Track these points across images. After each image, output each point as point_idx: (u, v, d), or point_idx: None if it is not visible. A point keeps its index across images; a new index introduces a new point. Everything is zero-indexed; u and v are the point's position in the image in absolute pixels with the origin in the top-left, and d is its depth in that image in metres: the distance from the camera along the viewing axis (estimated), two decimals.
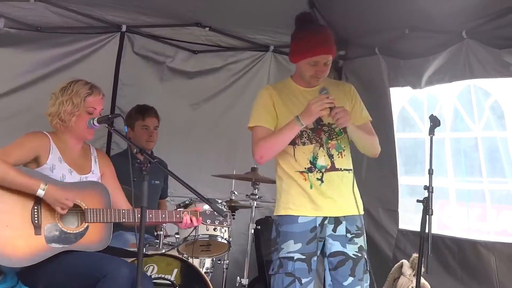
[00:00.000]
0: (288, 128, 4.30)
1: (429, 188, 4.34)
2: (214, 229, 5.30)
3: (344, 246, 4.41)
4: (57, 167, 4.28)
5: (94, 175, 4.44)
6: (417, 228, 5.99)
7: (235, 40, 6.71)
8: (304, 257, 4.36)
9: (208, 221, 4.54)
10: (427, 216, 4.32)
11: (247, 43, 6.79)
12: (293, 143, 4.38)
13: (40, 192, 4.08)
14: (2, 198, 4.09)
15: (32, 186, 4.09)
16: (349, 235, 4.42)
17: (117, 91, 6.45)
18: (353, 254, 4.41)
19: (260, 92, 4.62)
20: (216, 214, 4.47)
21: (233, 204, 5.87)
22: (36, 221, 4.11)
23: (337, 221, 4.41)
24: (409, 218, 6.36)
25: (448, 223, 6.59)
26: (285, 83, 4.59)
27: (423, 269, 4.49)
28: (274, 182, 5.82)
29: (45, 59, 6.08)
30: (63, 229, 4.17)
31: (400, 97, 6.54)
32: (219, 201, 5.38)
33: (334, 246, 4.42)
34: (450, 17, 5.41)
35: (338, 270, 4.41)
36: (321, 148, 4.40)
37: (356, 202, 4.46)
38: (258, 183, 5.69)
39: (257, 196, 5.65)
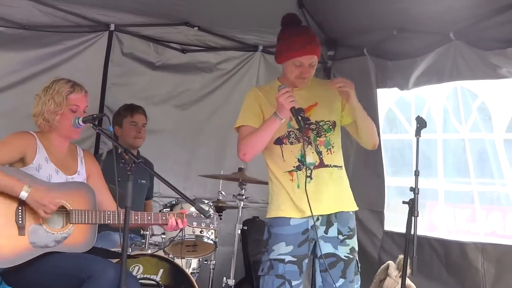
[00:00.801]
0: (268, 123, 4.30)
1: (414, 190, 4.33)
2: (201, 231, 5.28)
3: (335, 248, 4.41)
4: (44, 167, 4.25)
5: (80, 176, 4.41)
6: (404, 229, 6.05)
7: (224, 40, 6.71)
8: (295, 259, 4.36)
9: (195, 224, 4.52)
10: (413, 217, 4.31)
11: (236, 43, 6.79)
12: (280, 142, 4.39)
13: (23, 195, 4.05)
14: None
15: (15, 188, 4.05)
16: (340, 237, 4.42)
17: (106, 90, 6.41)
18: (344, 256, 4.41)
19: (246, 94, 4.63)
20: (203, 216, 4.46)
21: (220, 205, 5.86)
22: (20, 222, 4.08)
23: (328, 222, 4.41)
24: (396, 220, 6.35)
25: (437, 224, 6.60)
26: (271, 85, 4.58)
27: (409, 271, 4.50)
28: (261, 182, 5.88)
29: (33, 58, 6.04)
30: (47, 230, 4.14)
31: (387, 98, 6.54)
32: (206, 202, 5.37)
33: (325, 247, 4.41)
34: (438, 19, 5.43)
35: (329, 272, 4.40)
36: (309, 146, 4.40)
37: (346, 199, 4.48)
38: (245, 183, 5.68)
39: (244, 197, 5.64)
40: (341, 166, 4.50)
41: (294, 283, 4.36)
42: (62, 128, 4.31)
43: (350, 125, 4.56)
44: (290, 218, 4.37)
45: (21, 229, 4.08)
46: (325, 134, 4.44)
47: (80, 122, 4.26)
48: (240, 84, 6.86)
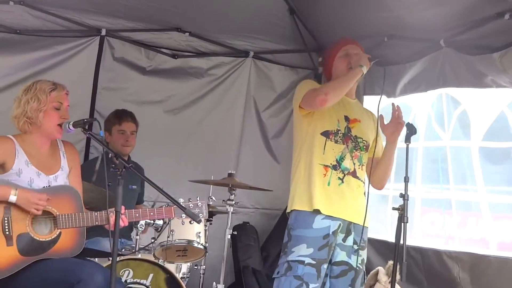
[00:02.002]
0: (353, 73, 4.42)
1: (404, 196, 4.35)
2: (190, 222, 5.25)
3: (349, 257, 4.50)
4: (24, 171, 4.22)
5: (63, 172, 4.39)
6: (383, 237, 6.07)
7: (215, 45, 6.72)
8: (314, 262, 4.39)
9: (183, 216, 4.47)
10: (402, 223, 4.33)
11: (227, 49, 6.80)
12: (326, 135, 4.48)
13: (12, 198, 4.03)
14: None
15: (3, 192, 4.04)
16: (355, 247, 4.51)
17: (96, 95, 6.41)
18: (356, 266, 4.50)
19: (304, 81, 4.76)
20: (191, 206, 4.46)
21: (210, 210, 5.85)
22: (7, 232, 4.05)
23: (348, 231, 4.49)
24: (377, 227, 6.38)
25: (413, 232, 6.58)
26: None
27: (398, 276, 4.51)
28: (250, 188, 5.89)
29: (24, 63, 6.04)
30: (35, 237, 4.12)
31: (374, 105, 6.54)
32: (198, 198, 5.35)
33: (340, 255, 4.49)
34: (429, 26, 5.45)
35: (339, 279, 4.49)
36: (348, 152, 4.51)
37: (365, 214, 4.52)
38: (234, 188, 5.69)
39: (233, 202, 5.64)
40: (364, 184, 4.61)
41: (311, 286, 4.38)
42: (46, 126, 4.28)
43: (369, 160, 4.66)
44: (315, 216, 4.40)
45: (8, 239, 4.06)
46: (360, 151, 4.57)
47: (71, 127, 4.24)
48: (231, 90, 6.88)
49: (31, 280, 4.07)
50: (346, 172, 4.50)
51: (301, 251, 4.40)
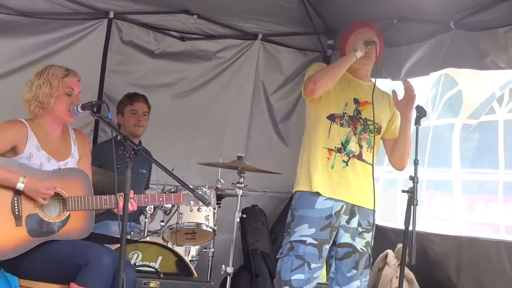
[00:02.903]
0: (345, 57, 4.48)
1: (414, 179, 4.33)
2: (199, 209, 5.26)
3: (353, 239, 4.51)
4: (35, 155, 4.21)
5: (73, 159, 4.39)
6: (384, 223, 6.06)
7: (223, 28, 6.69)
8: (316, 242, 4.41)
9: (192, 203, 4.51)
10: (412, 206, 4.31)
11: (235, 31, 6.76)
12: (332, 119, 4.48)
13: (20, 186, 4.03)
14: None
15: (11, 179, 4.04)
16: (360, 229, 4.52)
17: (105, 78, 6.39)
18: (360, 248, 4.51)
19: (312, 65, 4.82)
20: (200, 192, 4.46)
21: (219, 193, 5.85)
22: (16, 212, 4.06)
23: (352, 213, 4.49)
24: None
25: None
26: None
27: (407, 259, 4.51)
28: (260, 171, 5.88)
29: (31, 45, 6.01)
30: (44, 219, 4.12)
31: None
32: (206, 186, 5.36)
33: (344, 237, 4.50)
34: (439, 8, 5.41)
35: (344, 261, 4.52)
36: (354, 135, 4.51)
37: (372, 197, 4.53)
38: (244, 171, 5.68)
39: (243, 185, 5.63)
40: (373, 166, 4.58)
41: (313, 265, 4.42)
42: (57, 111, 4.27)
43: (388, 141, 4.70)
44: (317, 197, 4.42)
45: (18, 219, 4.06)
46: (369, 133, 4.56)
47: (79, 109, 4.23)
48: (239, 73, 6.86)
49: (39, 262, 4.08)
50: (351, 155, 4.49)
51: (303, 231, 4.42)
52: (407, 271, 5.57)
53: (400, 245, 5.76)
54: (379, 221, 5.58)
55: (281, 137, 7.10)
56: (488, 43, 5.19)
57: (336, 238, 4.51)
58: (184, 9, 6.33)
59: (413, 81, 6.03)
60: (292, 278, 4.41)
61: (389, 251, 5.90)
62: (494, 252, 5.28)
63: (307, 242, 4.40)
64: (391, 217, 6.44)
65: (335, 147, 4.47)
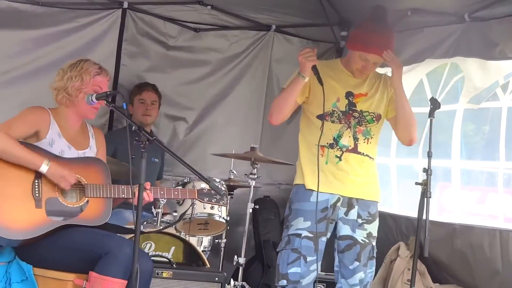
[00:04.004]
0: (293, 83, 4.44)
1: (427, 171, 4.33)
2: (211, 207, 5.31)
3: (353, 231, 4.51)
4: (56, 142, 4.29)
5: (91, 151, 4.47)
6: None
7: (237, 19, 6.68)
8: (311, 235, 4.43)
9: (206, 199, 4.57)
10: (425, 198, 4.31)
11: (249, 23, 6.75)
12: (322, 118, 4.46)
13: (44, 168, 4.09)
14: (3, 171, 4.10)
15: (36, 161, 4.10)
16: (359, 220, 4.52)
17: (120, 68, 6.39)
18: (361, 240, 4.51)
19: None
20: (213, 192, 4.50)
21: (231, 184, 5.87)
22: (37, 195, 4.12)
23: (349, 205, 4.50)
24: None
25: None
26: (332, 62, 4.76)
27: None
28: (273, 162, 5.89)
29: (45, 36, 6.00)
30: (63, 203, 4.18)
31: None
32: (218, 180, 5.38)
33: (343, 229, 4.52)
34: (453, 0, 5.40)
35: (345, 254, 4.52)
36: (348, 129, 4.51)
37: (371, 189, 4.56)
38: (257, 162, 5.68)
39: (256, 176, 5.64)
40: (374, 159, 4.59)
41: (309, 258, 4.45)
42: (82, 106, 4.35)
43: (392, 119, 4.66)
44: (312, 191, 4.43)
45: (38, 201, 4.12)
46: (366, 124, 4.55)
47: (94, 99, 4.27)
48: (253, 64, 6.85)
49: (57, 249, 4.11)
50: (344, 149, 4.49)
51: (299, 225, 4.46)
52: (419, 263, 5.58)
53: (412, 237, 5.76)
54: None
55: (295, 129, 7.08)
56: (500, 31, 5.19)
57: (336, 231, 4.52)
58: (198, 0, 6.33)
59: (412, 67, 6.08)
60: (288, 271, 4.45)
61: (401, 243, 5.90)
62: (488, 240, 5.29)
63: (303, 235, 4.43)
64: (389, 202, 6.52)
65: (327, 143, 4.48)
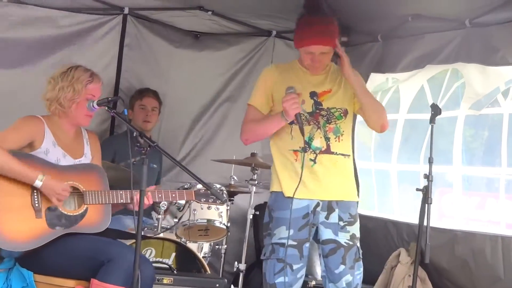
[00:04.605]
0: (274, 121, 4.40)
1: (428, 177, 4.34)
2: (209, 207, 5.29)
3: (336, 234, 4.45)
4: (51, 151, 4.26)
5: (86, 158, 4.44)
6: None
7: (238, 25, 6.68)
8: (295, 243, 4.39)
9: (203, 200, 4.53)
10: (426, 204, 4.31)
11: (250, 28, 6.76)
12: (290, 122, 4.39)
13: (38, 183, 4.07)
14: (2, 182, 4.08)
15: (30, 176, 4.07)
16: (341, 223, 4.45)
17: (121, 74, 6.39)
18: (344, 242, 4.45)
19: (262, 71, 4.68)
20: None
21: (232, 189, 5.88)
22: (36, 205, 4.10)
23: (330, 208, 4.44)
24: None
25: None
26: (291, 64, 4.64)
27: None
28: None
29: (46, 40, 5.99)
30: (63, 211, 4.16)
31: (378, 83, 6.56)
32: (218, 186, 5.38)
33: (325, 233, 4.45)
34: (454, 6, 5.39)
35: (330, 258, 4.46)
36: (318, 130, 4.44)
37: (348, 189, 4.51)
38: (257, 168, 5.69)
39: (256, 182, 5.64)
40: (349, 155, 4.52)
41: (295, 267, 4.40)
42: (76, 116, 4.33)
43: (360, 111, 4.58)
44: (292, 199, 4.37)
45: (37, 212, 4.11)
46: (335, 121, 4.47)
47: (95, 105, 4.28)
48: (254, 69, 6.82)
49: (59, 256, 4.10)
50: (317, 151, 4.43)
51: (282, 233, 4.40)
52: (420, 269, 5.57)
53: (413, 244, 5.75)
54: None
55: None
56: (501, 37, 5.19)
57: (318, 235, 4.47)
58: (199, 5, 6.33)
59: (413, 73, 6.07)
60: (276, 281, 4.40)
61: (402, 249, 5.89)
62: (490, 246, 5.28)
63: (287, 244, 4.38)
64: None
65: (300, 147, 4.39)
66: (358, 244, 4.49)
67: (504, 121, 5.56)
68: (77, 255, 4.10)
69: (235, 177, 5.94)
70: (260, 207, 6.41)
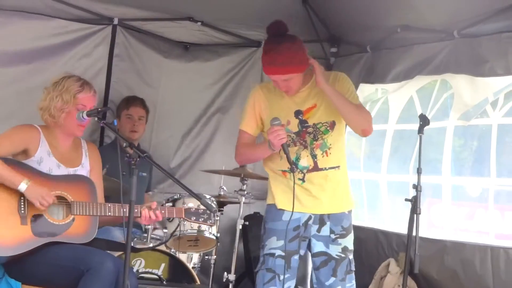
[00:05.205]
0: (262, 150, 4.44)
1: (417, 187, 4.34)
2: (199, 226, 5.29)
3: (327, 247, 4.46)
4: (45, 160, 4.26)
5: (83, 169, 4.43)
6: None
7: (227, 35, 6.69)
8: (284, 254, 4.39)
9: (193, 218, 4.52)
10: (415, 215, 4.32)
11: (239, 39, 6.77)
12: None
13: (22, 187, 4.06)
14: None
15: (14, 180, 4.07)
16: (333, 236, 4.46)
17: (110, 84, 6.37)
18: (336, 255, 4.45)
19: (250, 93, 4.64)
20: (201, 211, 4.48)
21: (221, 200, 5.87)
22: (22, 211, 4.10)
23: (321, 221, 4.45)
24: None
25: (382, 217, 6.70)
26: (272, 84, 4.53)
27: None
28: (262, 178, 5.88)
29: (36, 49, 5.98)
30: (49, 220, 4.16)
31: (368, 93, 6.59)
32: (208, 197, 5.38)
33: (317, 246, 4.47)
34: (443, 17, 5.43)
35: (321, 270, 4.47)
36: (305, 149, 4.43)
37: (341, 200, 4.51)
38: (246, 179, 5.69)
39: (245, 192, 5.64)
40: (338, 166, 4.50)
41: (281, 277, 4.40)
42: (67, 126, 4.33)
43: (344, 120, 4.51)
44: (284, 211, 4.39)
45: (23, 218, 4.11)
46: (322, 136, 4.45)
47: (84, 116, 4.27)
48: (244, 80, 6.85)
49: (41, 265, 4.10)
50: (305, 171, 4.42)
51: (272, 244, 4.43)
52: (409, 279, 5.57)
53: (402, 254, 5.76)
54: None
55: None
56: (490, 48, 5.23)
57: (310, 248, 4.48)
58: (188, 16, 6.34)
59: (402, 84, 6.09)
60: None
61: (392, 260, 5.90)
62: (479, 257, 5.30)
63: (276, 254, 4.40)
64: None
65: (288, 168, 4.36)
66: (351, 257, 4.49)
67: (493, 131, 5.58)
68: (57, 264, 4.09)
69: (225, 188, 5.93)
70: (250, 218, 6.44)
